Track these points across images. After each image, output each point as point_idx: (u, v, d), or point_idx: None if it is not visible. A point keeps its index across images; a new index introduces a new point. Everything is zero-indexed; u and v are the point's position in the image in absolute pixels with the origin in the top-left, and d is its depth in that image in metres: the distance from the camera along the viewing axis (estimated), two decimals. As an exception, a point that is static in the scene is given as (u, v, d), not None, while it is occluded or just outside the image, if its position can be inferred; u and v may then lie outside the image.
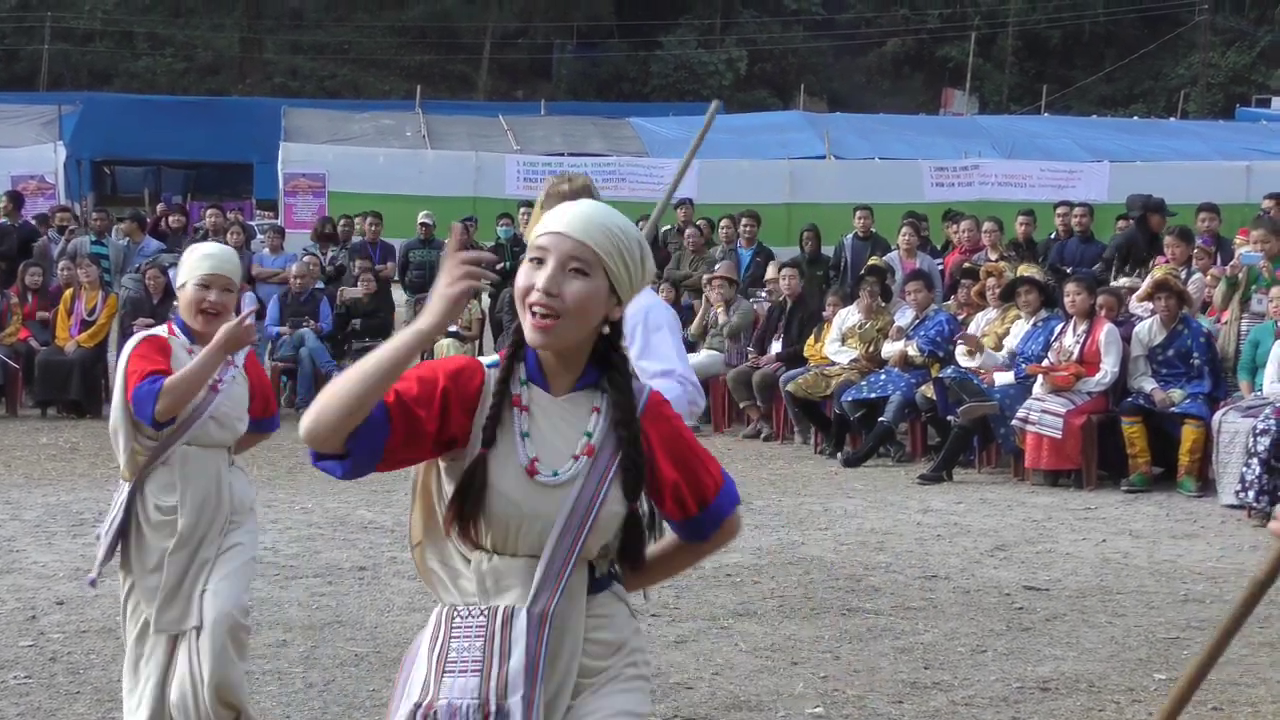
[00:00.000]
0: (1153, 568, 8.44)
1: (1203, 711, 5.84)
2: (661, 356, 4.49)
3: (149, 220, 19.23)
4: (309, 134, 26.81)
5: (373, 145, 26.47)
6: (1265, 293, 10.99)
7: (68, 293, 14.77)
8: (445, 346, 14.62)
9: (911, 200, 21.81)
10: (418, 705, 2.78)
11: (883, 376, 12.34)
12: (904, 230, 15.05)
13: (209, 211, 19.37)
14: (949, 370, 11.82)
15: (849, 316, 13.09)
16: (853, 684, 6.14)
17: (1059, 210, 15.70)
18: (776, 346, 13.72)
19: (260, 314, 14.82)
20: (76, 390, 14.36)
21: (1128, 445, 10.95)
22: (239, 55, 48.84)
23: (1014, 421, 11.20)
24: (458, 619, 2.81)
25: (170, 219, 19.27)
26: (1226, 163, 26.33)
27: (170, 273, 15.21)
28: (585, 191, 4.39)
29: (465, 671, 2.76)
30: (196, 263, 4.84)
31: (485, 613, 2.78)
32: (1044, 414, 11.03)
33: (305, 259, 15.64)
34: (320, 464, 2.70)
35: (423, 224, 17.26)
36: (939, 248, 16.30)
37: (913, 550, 8.65)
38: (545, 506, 2.78)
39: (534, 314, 2.73)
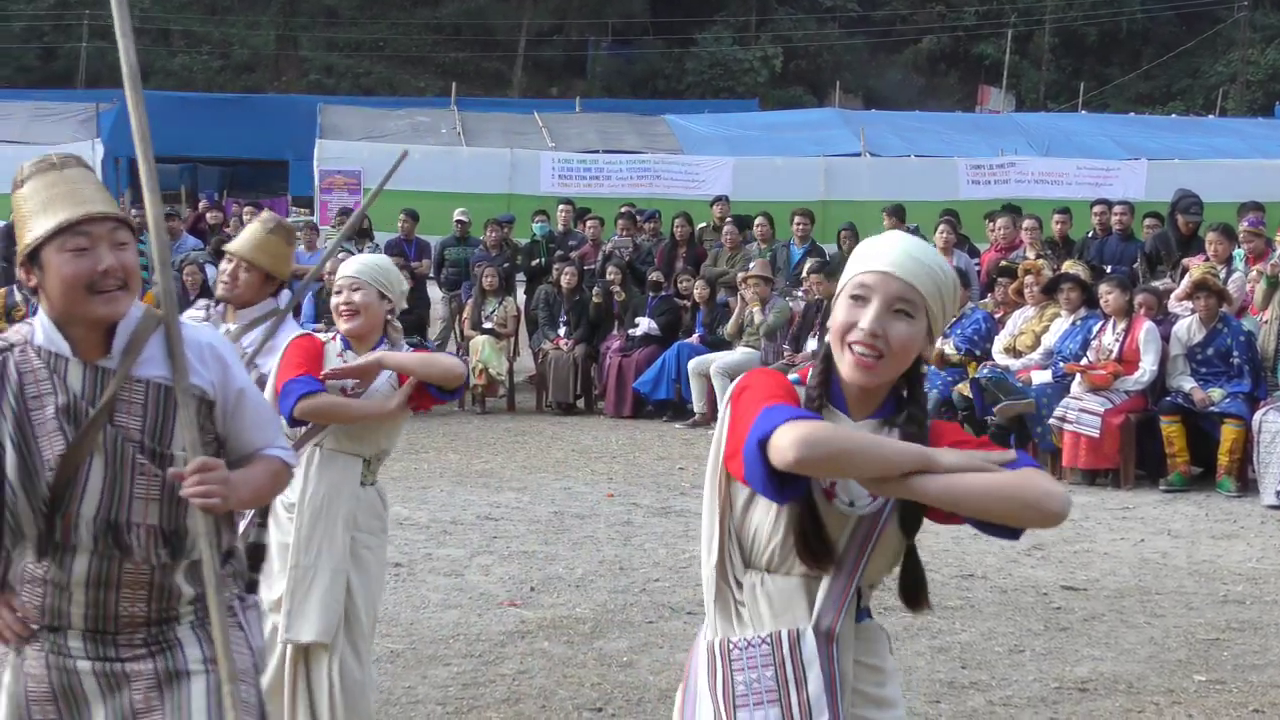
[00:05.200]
0: (1192, 568, 8.38)
1: (1243, 714, 5.81)
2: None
3: (188, 218, 19.38)
4: (344, 131, 26.85)
5: (408, 142, 26.46)
6: (1306, 291, 10.90)
7: (105, 289, 14.82)
8: (480, 344, 14.63)
9: (947, 198, 21.73)
10: None
11: (919, 375, 12.28)
12: (941, 228, 14.97)
13: (246, 209, 19.49)
14: (985, 369, 11.77)
15: (885, 314, 13.02)
16: (889, 683, 6.11)
17: (1096, 208, 15.57)
18: (813, 344, 13.67)
19: (296, 312, 14.82)
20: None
21: (1166, 444, 10.88)
22: (274, 53, 49.01)
23: (1051, 420, 11.14)
24: (735, 650, 2.74)
25: (209, 215, 19.43)
26: (1266, 161, 26.09)
27: (208, 269, 15.27)
28: None
29: (761, 703, 2.70)
30: (340, 269, 4.94)
31: (768, 640, 2.71)
32: (1082, 413, 10.96)
33: (340, 256, 15.65)
34: (769, 485, 2.56)
35: (458, 221, 17.27)
36: (976, 246, 16.21)
37: (949, 549, 8.61)
38: (833, 529, 2.70)
39: (856, 352, 2.68)
